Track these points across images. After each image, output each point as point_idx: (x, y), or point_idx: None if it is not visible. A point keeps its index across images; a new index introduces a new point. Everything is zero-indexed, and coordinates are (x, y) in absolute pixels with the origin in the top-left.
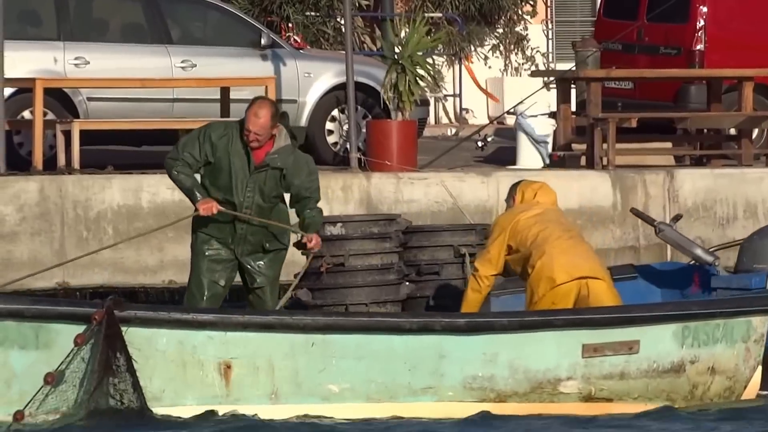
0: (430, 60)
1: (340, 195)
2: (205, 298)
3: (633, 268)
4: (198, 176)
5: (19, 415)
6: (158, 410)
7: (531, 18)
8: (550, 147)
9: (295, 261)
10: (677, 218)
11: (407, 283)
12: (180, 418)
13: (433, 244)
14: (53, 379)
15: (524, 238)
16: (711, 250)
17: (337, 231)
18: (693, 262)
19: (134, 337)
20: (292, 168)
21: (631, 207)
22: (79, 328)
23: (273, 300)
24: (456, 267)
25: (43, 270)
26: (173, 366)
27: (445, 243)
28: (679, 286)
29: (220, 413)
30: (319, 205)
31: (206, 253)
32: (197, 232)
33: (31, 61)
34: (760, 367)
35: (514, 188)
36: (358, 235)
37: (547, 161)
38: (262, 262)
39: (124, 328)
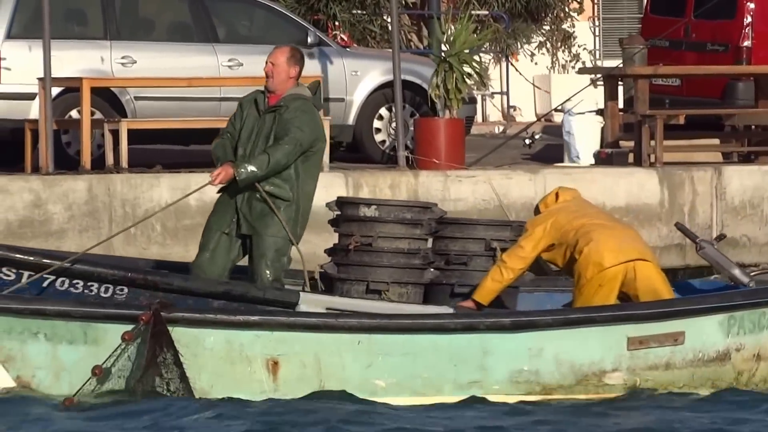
0: (476, 58)
1: (388, 193)
2: (209, 249)
3: (671, 284)
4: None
5: (67, 401)
6: (207, 404)
7: (578, 15)
8: (597, 144)
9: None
10: (721, 238)
11: (432, 270)
12: (227, 408)
13: (465, 236)
14: (101, 372)
15: (567, 231)
16: (752, 273)
17: (371, 213)
18: (730, 281)
19: (181, 335)
20: (290, 113)
21: (676, 221)
22: (127, 327)
23: (275, 269)
24: (485, 260)
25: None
26: (221, 363)
27: (478, 236)
28: None
29: (266, 406)
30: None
31: (216, 206)
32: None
33: (78, 60)
34: None
35: (536, 208)
36: (390, 219)
37: (583, 161)
38: (257, 207)
39: (171, 328)
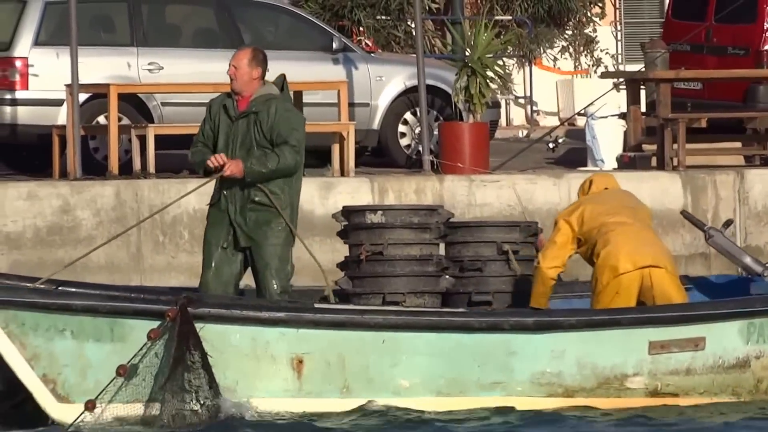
0: (500, 62)
1: (414, 197)
2: (212, 265)
3: (687, 279)
4: None
5: (90, 404)
6: (232, 401)
7: (600, 20)
8: (620, 148)
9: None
10: (728, 224)
11: (447, 277)
12: (254, 408)
13: (476, 240)
14: (125, 372)
15: (590, 228)
16: (767, 263)
17: (378, 219)
18: (743, 272)
19: (207, 332)
20: (270, 115)
21: (682, 210)
22: (153, 324)
23: (277, 282)
24: (500, 264)
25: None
26: (247, 360)
27: (489, 239)
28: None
29: (293, 405)
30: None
31: (209, 220)
32: (208, 206)
33: (105, 66)
34: None
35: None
36: (398, 224)
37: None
38: (251, 217)
39: (197, 325)
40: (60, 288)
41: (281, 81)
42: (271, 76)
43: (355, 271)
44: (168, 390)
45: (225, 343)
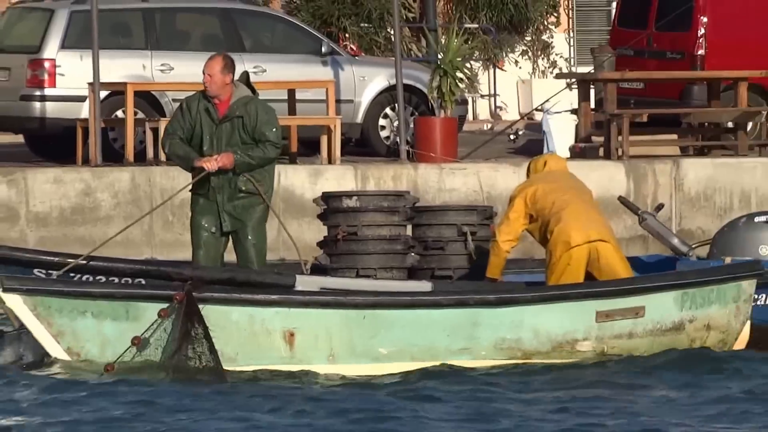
0: (468, 65)
1: (391, 184)
2: (202, 245)
3: None
4: None
5: (109, 367)
6: (232, 370)
7: (555, 28)
8: (572, 140)
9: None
10: (659, 207)
11: (413, 254)
12: (252, 374)
13: (439, 222)
14: (139, 342)
15: (543, 206)
16: (692, 245)
17: (353, 204)
18: (672, 252)
19: (210, 312)
20: (252, 116)
21: (619, 196)
22: (163, 305)
23: (258, 249)
24: (459, 244)
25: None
26: (245, 335)
27: (450, 221)
28: None
29: (285, 372)
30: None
31: (196, 207)
32: (192, 194)
33: (122, 67)
34: (749, 322)
35: (528, 167)
36: (370, 208)
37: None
38: (241, 206)
39: (201, 306)
40: (91, 262)
41: (245, 78)
42: (268, 75)
43: (332, 249)
44: (176, 357)
45: (226, 320)
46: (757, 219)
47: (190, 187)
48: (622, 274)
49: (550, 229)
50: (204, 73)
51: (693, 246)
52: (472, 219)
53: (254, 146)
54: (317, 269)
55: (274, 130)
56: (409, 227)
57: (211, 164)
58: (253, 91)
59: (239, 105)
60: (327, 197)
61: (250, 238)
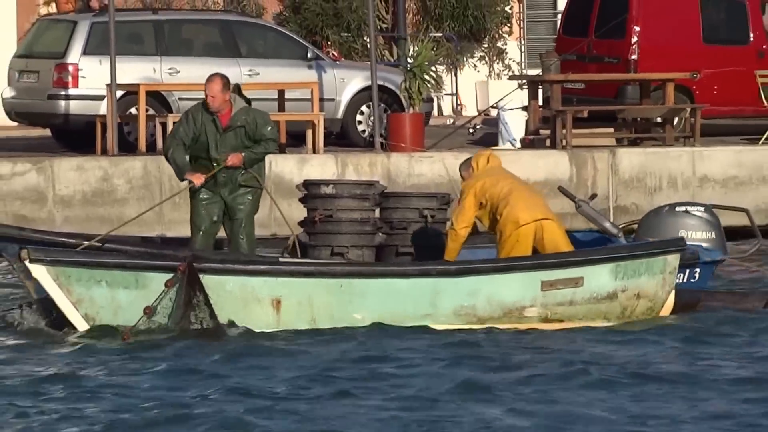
0: (433, 68)
1: (368, 170)
2: (202, 230)
3: None
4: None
5: (125, 335)
6: (228, 331)
7: (509, 36)
8: (523, 132)
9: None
10: (593, 197)
11: (380, 234)
12: (245, 335)
13: (403, 206)
14: (150, 311)
15: (492, 194)
16: (620, 225)
17: (329, 191)
18: (603, 233)
19: (209, 281)
20: (251, 123)
21: (559, 185)
22: (168, 276)
23: (248, 233)
24: (420, 225)
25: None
26: (238, 301)
27: (413, 206)
28: None
29: (273, 334)
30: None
31: (201, 198)
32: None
33: (136, 71)
34: (673, 291)
35: (467, 161)
36: (344, 195)
37: (518, 145)
38: (239, 197)
39: (201, 276)
40: (107, 245)
41: (238, 90)
42: (261, 78)
43: (311, 229)
44: (181, 324)
45: (222, 288)
46: (678, 208)
47: (184, 190)
48: (564, 248)
49: (500, 211)
50: (206, 93)
51: (621, 227)
52: (432, 204)
53: (257, 145)
54: (298, 245)
55: (270, 128)
56: (378, 211)
57: (197, 180)
58: (247, 101)
59: (239, 116)
60: (307, 184)
61: (244, 225)
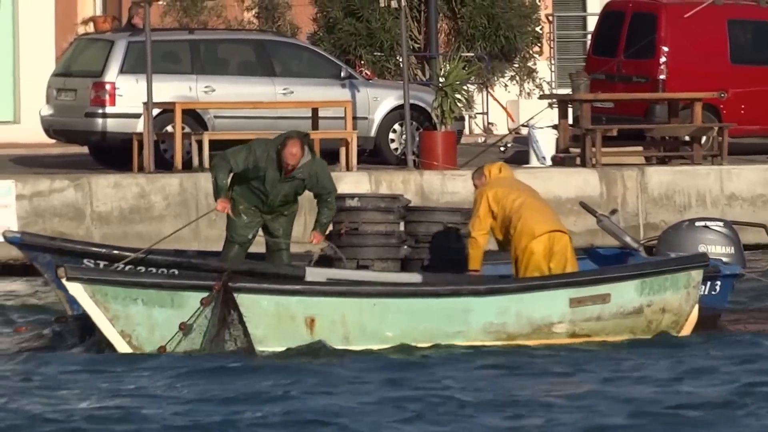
0: (465, 87)
1: (401, 187)
2: (237, 245)
3: (582, 251)
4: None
5: (161, 349)
6: (262, 350)
7: (539, 56)
8: (553, 151)
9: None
10: (613, 212)
11: (405, 247)
12: (279, 353)
13: (427, 220)
14: (186, 327)
15: (504, 204)
16: (641, 241)
17: (355, 204)
18: (624, 248)
19: (243, 299)
20: (312, 177)
21: (580, 201)
22: (204, 294)
23: (286, 248)
24: (444, 238)
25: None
26: (272, 320)
27: (437, 220)
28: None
29: (306, 351)
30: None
31: (242, 215)
32: (238, 200)
33: (172, 89)
34: (697, 305)
35: (480, 170)
36: (369, 207)
37: (548, 162)
38: (278, 224)
39: (236, 295)
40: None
41: (308, 140)
42: (296, 96)
43: (337, 242)
44: (215, 341)
45: (256, 307)
46: (697, 224)
47: (211, 214)
48: (572, 260)
49: (513, 225)
50: (287, 152)
51: (641, 242)
52: (456, 218)
53: (323, 211)
54: (324, 258)
55: (331, 181)
56: (402, 224)
57: (222, 209)
58: (312, 152)
59: (303, 169)
60: None
61: (282, 244)
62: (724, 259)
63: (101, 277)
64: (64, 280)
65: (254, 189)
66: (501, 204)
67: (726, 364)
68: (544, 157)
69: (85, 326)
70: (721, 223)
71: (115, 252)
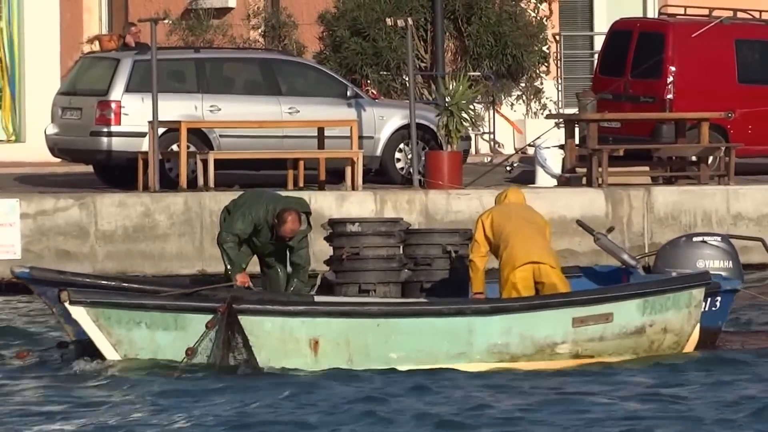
0: (471, 107)
1: (406, 207)
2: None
3: (579, 269)
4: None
5: (168, 375)
6: (266, 370)
7: (546, 75)
8: (559, 170)
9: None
10: (610, 230)
11: (406, 270)
12: (282, 375)
13: (426, 242)
14: (192, 353)
15: (497, 231)
16: (637, 257)
17: (356, 229)
18: (621, 265)
19: (247, 322)
20: (295, 242)
21: (577, 219)
22: (208, 317)
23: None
24: (443, 261)
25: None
26: (276, 342)
27: (435, 242)
28: (611, 283)
29: (311, 373)
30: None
31: (243, 251)
32: None
33: (177, 108)
34: (698, 325)
35: (498, 194)
36: (370, 232)
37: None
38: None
39: (240, 317)
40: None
41: (307, 217)
42: (301, 115)
43: (338, 267)
44: (220, 364)
45: (260, 329)
46: (695, 239)
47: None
48: (563, 288)
49: (500, 253)
50: (286, 228)
51: (638, 258)
52: (454, 240)
53: (293, 279)
54: (325, 284)
55: (306, 247)
56: (401, 247)
57: (241, 283)
58: (309, 225)
59: (295, 239)
60: (333, 223)
61: (281, 270)
62: (723, 274)
63: (104, 299)
64: (67, 304)
65: (245, 248)
66: (495, 230)
67: (725, 383)
68: (553, 176)
69: (87, 351)
70: (718, 238)
71: (124, 285)
